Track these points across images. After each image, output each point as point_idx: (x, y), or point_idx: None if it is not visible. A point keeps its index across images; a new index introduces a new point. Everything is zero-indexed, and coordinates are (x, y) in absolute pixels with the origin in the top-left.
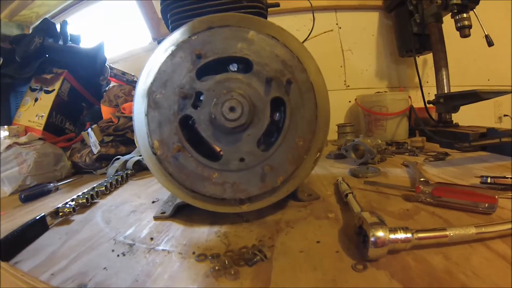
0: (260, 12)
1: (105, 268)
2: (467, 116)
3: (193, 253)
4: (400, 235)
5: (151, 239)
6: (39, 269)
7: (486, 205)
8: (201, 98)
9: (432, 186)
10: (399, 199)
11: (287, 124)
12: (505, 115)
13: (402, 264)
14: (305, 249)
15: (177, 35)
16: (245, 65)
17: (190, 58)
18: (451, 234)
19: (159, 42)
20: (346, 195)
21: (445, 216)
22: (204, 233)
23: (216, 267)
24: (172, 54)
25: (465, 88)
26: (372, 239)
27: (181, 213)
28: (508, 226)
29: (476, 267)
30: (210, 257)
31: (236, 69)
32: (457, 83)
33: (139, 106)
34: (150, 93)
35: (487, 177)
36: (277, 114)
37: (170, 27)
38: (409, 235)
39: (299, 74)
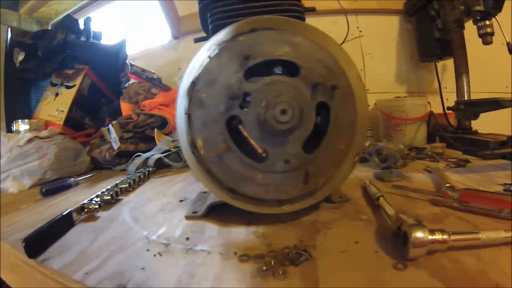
0: (300, 16)
1: (143, 268)
2: (485, 124)
3: (235, 253)
4: (438, 237)
5: (187, 239)
6: (70, 268)
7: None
8: (247, 99)
9: (459, 191)
10: (426, 204)
11: (330, 128)
12: None
13: (439, 264)
14: (345, 249)
15: (221, 35)
16: (289, 69)
17: (237, 59)
18: (483, 237)
19: (196, 41)
20: (378, 198)
21: (473, 221)
22: (241, 234)
23: (263, 268)
24: (219, 54)
25: (483, 94)
26: (413, 239)
27: (213, 213)
28: None
29: (506, 268)
30: (253, 258)
31: (280, 72)
32: (475, 90)
33: (181, 104)
34: (194, 91)
35: (510, 184)
36: (318, 118)
37: (210, 27)
38: (445, 236)
39: (342, 80)
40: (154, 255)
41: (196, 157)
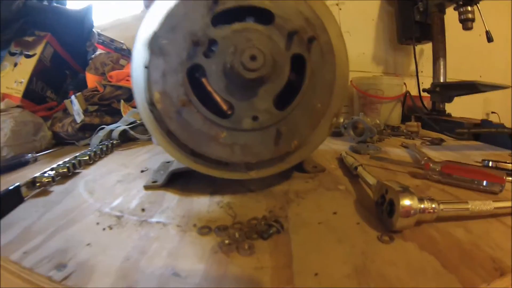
0: None
1: (89, 244)
2: (457, 109)
3: (194, 225)
4: (428, 205)
5: (143, 210)
6: (10, 247)
7: (495, 183)
8: (213, 49)
9: (441, 163)
10: (407, 176)
11: (306, 84)
12: (493, 112)
13: (427, 236)
14: (323, 220)
15: None
16: (264, 19)
17: (206, 2)
18: (472, 208)
19: None
20: (356, 168)
21: (455, 193)
22: (204, 204)
23: (226, 241)
24: None
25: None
26: (401, 208)
27: (176, 182)
28: None
29: (498, 241)
30: (216, 230)
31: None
32: (450, 76)
33: (139, 55)
34: (155, 38)
35: (488, 161)
36: (293, 74)
37: None
38: (435, 205)
39: (322, 34)
40: (104, 229)
41: (154, 116)
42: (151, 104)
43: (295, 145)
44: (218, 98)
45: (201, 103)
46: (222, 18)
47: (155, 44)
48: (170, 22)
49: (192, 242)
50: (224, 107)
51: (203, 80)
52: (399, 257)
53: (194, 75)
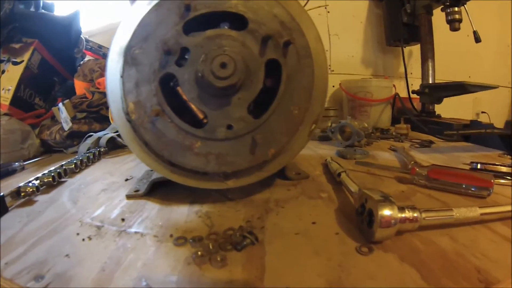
0: None
1: (67, 255)
2: (447, 110)
3: (171, 236)
4: (408, 215)
5: (122, 220)
6: None
7: (483, 188)
8: (185, 57)
9: (427, 168)
10: (393, 181)
11: (282, 90)
12: (482, 112)
13: (409, 246)
14: (300, 231)
15: None
16: (239, 24)
17: (178, 10)
18: (457, 215)
19: None
20: (339, 174)
21: (442, 199)
22: (183, 214)
23: (199, 253)
24: (158, 5)
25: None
26: (380, 218)
27: (158, 191)
28: (509, 208)
29: (485, 249)
30: (190, 241)
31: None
32: (438, 77)
33: (113, 65)
34: (128, 48)
35: (477, 163)
36: (270, 81)
37: None
38: (416, 214)
39: (298, 38)
40: (83, 240)
41: (131, 126)
42: (128, 114)
43: (272, 153)
44: (193, 107)
45: (176, 113)
46: (196, 25)
47: (127, 54)
48: (143, 31)
49: (167, 253)
50: (200, 115)
51: (178, 88)
52: (377, 270)
53: (169, 84)
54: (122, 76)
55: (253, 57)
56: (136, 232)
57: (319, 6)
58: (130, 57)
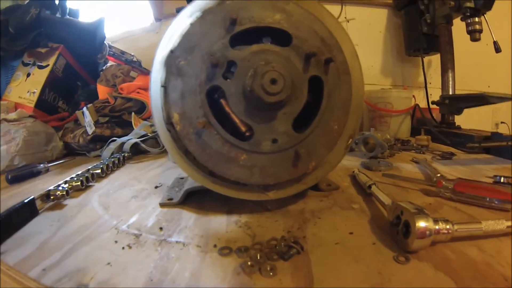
0: None
1: (109, 263)
2: (466, 120)
3: (215, 246)
4: (442, 226)
5: (161, 228)
6: (28, 262)
7: (506, 201)
8: (231, 70)
9: (453, 181)
10: (419, 193)
11: (324, 106)
12: (502, 122)
13: (442, 256)
14: (339, 240)
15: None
16: (282, 39)
17: (223, 23)
18: (485, 228)
19: (178, 11)
20: (370, 186)
21: (468, 211)
22: (222, 223)
23: (248, 263)
24: (203, 17)
25: (465, 92)
26: (417, 229)
27: (190, 199)
28: None
29: (509, 259)
30: (236, 251)
31: (269, 43)
32: (458, 87)
33: (156, 75)
34: (173, 59)
35: (500, 176)
36: (309, 96)
37: None
38: (449, 226)
39: (338, 54)
40: (123, 248)
41: (172, 135)
42: (169, 123)
43: (313, 166)
44: (236, 120)
45: (220, 125)
46: (239, 38)
47: (172, 64)
48: (188, 42)
49: (213, 263)
50: (243, 128)
51: (222, 101)
52: (414, 277)
53: (212, 95)
54: (163, 86)
55: (298, 74)
56: (177, 242)
57: (352, 19)
58: (175, 67)
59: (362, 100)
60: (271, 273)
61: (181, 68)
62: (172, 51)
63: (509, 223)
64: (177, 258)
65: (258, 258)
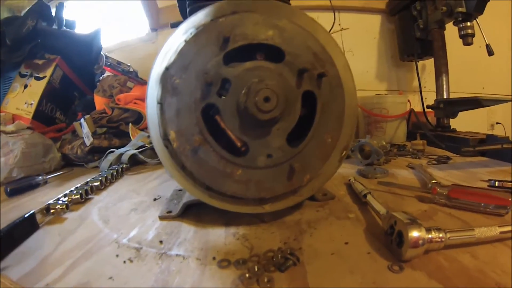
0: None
1: (111, 277)
2: (461, 123)
3: (214, 258)
4: (435, 235)
5: (161, 242)
6: (30, 278)
7: (501, 206)
8: (225, 87)
9: (447, 188)
10: (414, 200)
11: (317, 120)
12: (497, 123)
13: (435, 264)
14: (335, 251)
15: (200, 17)
16: (272, 55)
17: (217, 41)
18: (478, 234)
19: (173, 26)
20: (365, 196)
21: (462, 217)
22: (221, 236)
23: (247, 275)
24: (197, 35)
25: (460, 95)
26: (409, 239)
27: (189, 212)
28: None
29: (504, 265)
30: (235, 263)
31: (262, 59)
32: (452, 90)
33: (152, 92)
34: (168, 77)
35: (495, 180)
36: (303, 110)
37: (188, 10)
38: (442, 235)
39: (330, 69)
40: (124, 262)
41: (169, 151)
42: (166, 139)
43: (308, 179)
44: (232, 136)
45: (216, 141)
46: (233, 55)
47: (168, 82)
48: (182, 59)
49: (213, 276)
50: (238, 144)
51: (217, 117)
52: (409, 286)
53: (208, 112)
54: (159, 103)
55: (291, 89)
56: (177, 255)
57: (346, 28)
58: (170, 85)
59: (355, 112)
60: (268, 285)
61: (176, 86)
62: (167, 68)
63: (501, 229)
64: (178, 271)
65: (256, 270)
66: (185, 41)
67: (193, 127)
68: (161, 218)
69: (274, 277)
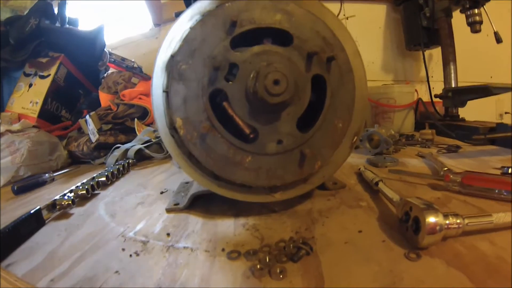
0: None
1: (117, 271)
2: (470, 112)
3: (223, 250)
4: (453, 221)
5: (168, 234)
6: (36, 273)
7: None
8: (233, 72)
9: (461, 174)
10: (427, 188)
11: (327, 105)
12: (506, 112)
13: (453, 251)
14: (349, 240)
15: (205, 3)
16: (283, 40)
17: (224, 26)
18: (496, 220)
19: (177, 16)
20: (377, 183)
21: (477, 204)
22: (230, 227)
23: (258, 266)
24: (203, 21)
25: (467, 84)
26: (427, 225)
27: (197, 204)
28: None
29: None
30: (245, 254)
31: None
32: (460, 79)
33: (157, 81)
34: (174, 63)
35: (508, 167)
36: (313, 95)
37: None
38: (459, 221)
39: (340, 53)
40: (130, 255)
41: (175, 140)
42: (172, 128)
43: (319, 166)
44: (240, 122)
45: (224, 128)
46: (240, 40)
47: (174, 69)
48: (188, 46)
49: (222, 268)
50: (247, 131)
51: (225, 103)
52: (427, 274)
53: (215, 98)
54: (165, 91)
55: (300, 73)
56: (185, 247)
57: (352, 16)
58: (177, 72)
59: (366, 98)
60: (281, 276)
61: (183, 72)
62: (173, 56)
63: None
64: (186, 264)
65: (267, 260)
66: (191, 27)
67: (201, 114)
68: (168, 210)
69: (287, 268)
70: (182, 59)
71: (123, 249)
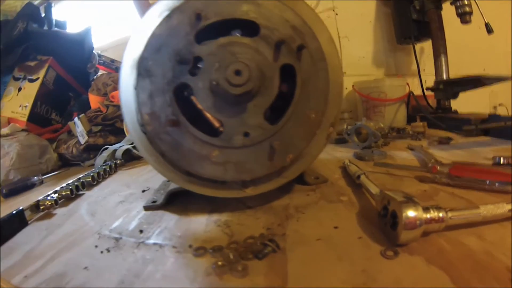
0: None
1: (86, 267)
2: (463, 105)
3: (190, 246)
4: (434, 215)
5: (141, 231)
6: (13, 271)
7: (507, 183)
8: (198, 66)
9: (448, 165)
10: (414, 181)
11: (297, 94)
12: (500, 104)
13: (436, 247)
14: (322, 236)
15: None
16: (251, 31)
17: (189, 20)
18: (484, 212)
19: None
20: (358, 177)
21: (466, 196)
22: (202, 223)
23: (219, 263)
24: (169, 16)
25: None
26: (404, 220)
27: (176, 201)
28: None
29: None
30: (210, 251)
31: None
32: (452, 72)
33: (127, 78)
34: (141, 60)
35: (500, 157)
36: (285, 86)
37: None
38: (442, 214)
39: (311, 41)
40: (101, 252)
41: (146, 137)
42: (143, 125)
43: (291, 159)
44: (208, 116)
45: (191, 122)
46: (209, 34)
47: (141, 66)
48: (155, 42)
49: (186, 264)
50: (216, 124)
51: (192, 97)
52: (404, 274)
53: (183, 93)
54: (136, 88)
55: (267, 63)
56: (154, 244)
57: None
58: (143, 68)
59: (341, 87)
60: (242, 273)
61: (149, 68)
62: (140, 54)
63: (510, 206)
64: (152, 260)
65: (231, 257)
66: (158, 24)
67: (166, 108)
68: (146, 208)
69: (251, 265)
70: (148, 56)
71: (96, 246)
